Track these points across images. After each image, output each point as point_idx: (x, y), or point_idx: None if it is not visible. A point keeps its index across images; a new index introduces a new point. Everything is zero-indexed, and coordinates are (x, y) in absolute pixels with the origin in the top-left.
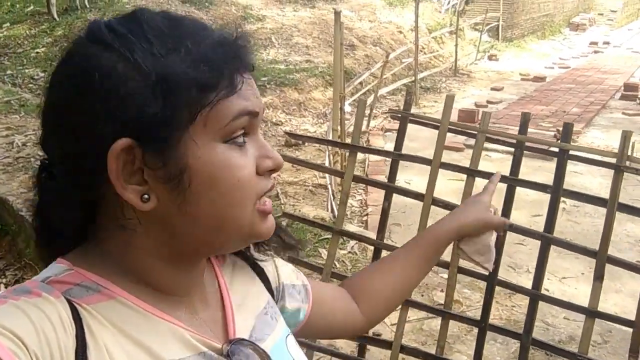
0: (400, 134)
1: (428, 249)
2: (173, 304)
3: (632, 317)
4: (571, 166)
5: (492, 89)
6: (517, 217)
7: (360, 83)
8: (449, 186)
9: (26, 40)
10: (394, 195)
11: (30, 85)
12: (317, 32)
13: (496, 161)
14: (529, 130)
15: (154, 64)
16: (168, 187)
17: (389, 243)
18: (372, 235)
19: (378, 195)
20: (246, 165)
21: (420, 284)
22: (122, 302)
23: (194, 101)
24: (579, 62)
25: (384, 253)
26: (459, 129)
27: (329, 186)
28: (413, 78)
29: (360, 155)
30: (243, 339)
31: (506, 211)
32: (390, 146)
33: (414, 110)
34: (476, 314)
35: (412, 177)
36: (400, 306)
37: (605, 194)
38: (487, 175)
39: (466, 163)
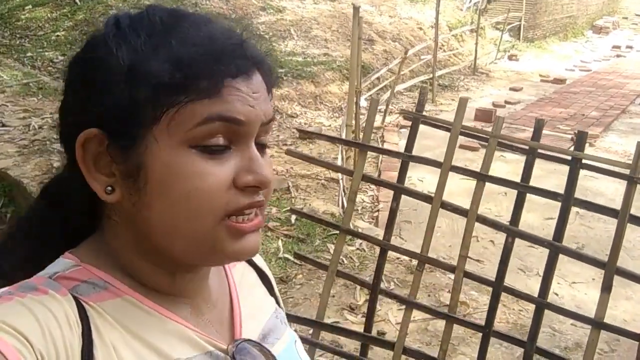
0: (412, 134)
1: None
2: (177, 304)
3: None
4: (596, 172)
5: (511, 89)
6: (530, 219)
7: (378, 78)
8: (461, 185)
9: (47, 23)
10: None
11: (50, 68)
12: (336, 25)
13: (511, 162)
14: (546, 132)
15: (131, 60)
16: (127, 183)
17: (399, 240)
18: (381, 232)
19: (390, 191)
20: (213, 174)
21: (426, 283)
22: (129, 301)
23: (159, 100)
24: (600, 66)
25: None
26: (471, 132)
27: (340, 181)
28: (431, 75)
29: None
30: (249, 340)
31: (516, 216)
32: (404, 143)
33: (431, 107)
34: (483, 316)
35: (425, 174)
36: (404, 307)
37: (621, 200)
38: (497, 180)
39: (481, 163)
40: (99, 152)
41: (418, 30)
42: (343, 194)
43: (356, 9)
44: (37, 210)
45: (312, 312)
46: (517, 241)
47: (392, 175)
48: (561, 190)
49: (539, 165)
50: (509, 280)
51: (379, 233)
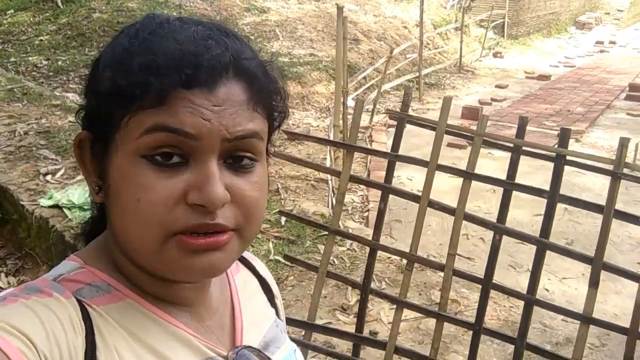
0: (398, 134)
1: None
2: (178, 310)
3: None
4: (580, 168)
5: (497, 86)
6: (519, 216)
7: (364, 78)
8: (451, 183)
9: (30, 27)
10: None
11: (34, 73)
12: (321, 25)
13: (499, 160)
14: (532, 129)
15: (107, 66)
16: (104, 186)
17: (389, 240)
18: (371, 232)
19: (380, 191)
20: (157, 188)
21: (417, 282)
22: (132, 305)
23: (119, 107)
24: (584, 61)
25: (382, 253)
26: (457, 131)
27: (329, 182)
28: (417, 74)
29: None
30: (249, 347)
31: (503, 214)
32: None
33: (418, 106)
34: (474, 314)
35: (413, 173)
36: (395, 306)
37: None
38: (483, 178)
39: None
40: (88, 154)
41: (403, 29)
42: (332, 194)
43: (340, 8)
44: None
45: (304, 314)
46: (507, 238)
47: (381, 175)
48: (548, 187)
49: (527, 161)
50: (499, 277)
51: (369, 233)
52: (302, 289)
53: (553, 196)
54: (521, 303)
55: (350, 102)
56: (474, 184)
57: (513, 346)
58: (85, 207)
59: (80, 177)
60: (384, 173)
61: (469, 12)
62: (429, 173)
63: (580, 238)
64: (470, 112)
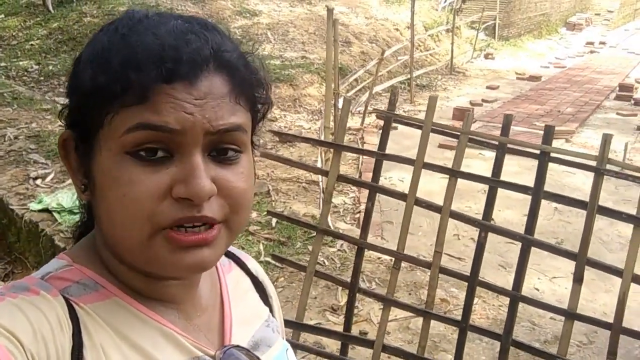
0: (385, 133)
1: None
2: (165, 308)
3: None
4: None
5: (488, 87)
6: (509, 216)
7: (356, 80)
8: (441, 184)
9: (20, 32)
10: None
11: (24, 77)
12: (313, 28)
13: (489, 160)
14: (522, 129)
15: (87, 64)
16: (90, 185)
17: (380, 241)
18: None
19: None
20: (144, 182)
21: (407, 281)
22: (119, 303)
23: (101, 105)
24: (574, 62)
25: (372, 254)
26: (443, 129)
27: (320, 183)
28: (409, 75)
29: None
30: (238, 346)
31: (488, 212)
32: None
33: (409, 107)
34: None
35: (404, 175)
36: (382, 305)
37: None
38: (468, 176)
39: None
40: (73, 153)
41: (394, 31)
42: (323, 195)
43: (330, 10)
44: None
45: (294, 314)
46: (498, 238)
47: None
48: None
49: (517, 161)
50: (490, 277)
51: (359, 234)
52: (292, 290)
53: (537, 192)
54: None
55: (342, 104)
56: (466, 184)
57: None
58: (75, 211)
59: (70, 181)
60: None
61: (460, 14)
62: (415, 171)
63: (571, 237)
64: (462, 114)
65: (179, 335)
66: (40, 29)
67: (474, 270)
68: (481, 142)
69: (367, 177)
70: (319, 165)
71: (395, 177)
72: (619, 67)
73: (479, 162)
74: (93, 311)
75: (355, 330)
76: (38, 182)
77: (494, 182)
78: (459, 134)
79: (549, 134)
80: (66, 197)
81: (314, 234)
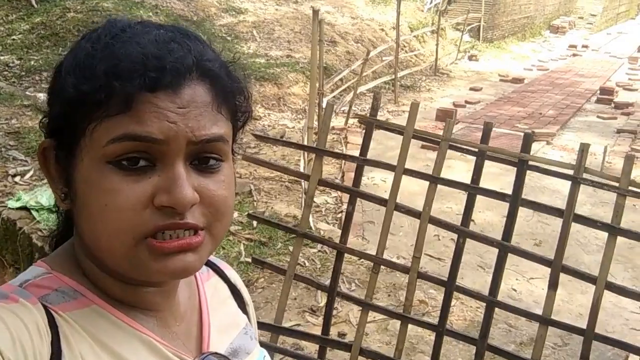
0: (367, 139)
1: None
2: (144, 316)
3: None
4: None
5: (471, 89)
6: (489, 217)
7: (341, 80)
8: (423, 184)
9: (2, 26)
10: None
11: (5, 72)
12: (299, 27)
13: (472, 162)
14: (504, 131)
15: (70, 72)
16: (70, 193)
17: (361, 242)
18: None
19: None
20: (126, 192)
21: (387, 283)
22: (98, 311)
23: (84, 113)
24: (557, 65)
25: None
26: (424, 135)
27: (302, 184)
28: (393, 76)
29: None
30: (216, 353)
31: (467, 217)
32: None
33: (393, 108)
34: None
35: (387, 175)
36: (360, 309)
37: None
38: (448, 182)
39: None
40: (53, 161)
41: (380, 31)
42: (305, 196)
43: (315, 12)
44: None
45: (273, 316)
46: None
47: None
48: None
49: (499, 165)
50: (469, 278)
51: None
52: (271, 291)
53: (515, 200)
54: None
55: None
56: (447, 184)
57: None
58: (54, 210)
59: None
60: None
61: (445, 16)
62: (396, 176)
63: (549, 239)
64: (445, 115)
65: (157, 342)
66: (23, 24)
67: (452, 274)
68: (461, 148)
69: (350, 177)
70: (301, 165)
71: (378, 177)
72: (600, 71)
73: (462, 163)
74: (72, 319)
75: (334, 331)
76: (17, 179)
77: (473, 189)
78: (439, 140)
79: (527, 141)
80: (45, 195)
81: (295, 235)
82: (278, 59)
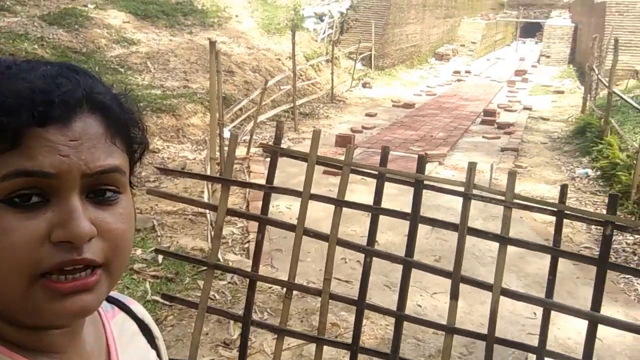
0: (272, 167)
1: None
2: (48, 359)
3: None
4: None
5: (367, 114)
6: (391, 237)
7: (240, 109)
8: (327, 209)
9: None
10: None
11: None
12: (194, 57)
13: (371, 184)
14: (400, 153)
15: None
16: None
17: (269, 270)
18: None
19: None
20: (20, 230)
21: (298, 309)
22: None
23: None
24: (444, 90)
25: (262, 284)
26: (327, 161)
27: (207, 215)
28: (292, 104)
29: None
30: None
31: (372, 238)
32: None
33: (294, 135)
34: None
35: (292, 202)
36: (275, 336)
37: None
38: (353, 205)
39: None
40: None
41: (276, 60)
42: (211, 228)
43: (212, 43)
44: None
45: (186, 353)
46: (383, 260)
47: (259, 206)
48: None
49: (397, 185)
50: (376, 297)
51: (249, 265)
52: (182, 328)
53: (415, 218)
54: None
55: (227, 134)
56: (351, 209)
57: None
58: None
59: None
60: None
61: (338, 45)
62: (303, 202)
63: (447, 254)
64: (343, 140)
65: None
66: None
67: (362, 294)
68: (362, 171)
69: (255, 206)
70: (205, 196)
71: (283, 205)
72: (483, 94)
73: (362, 186)
74: None
75: None
76: None
77: (376, 210)
78: (342, 165)
79: (422, 162)
80: None
81: (203, 268)
82: (175, 90)
